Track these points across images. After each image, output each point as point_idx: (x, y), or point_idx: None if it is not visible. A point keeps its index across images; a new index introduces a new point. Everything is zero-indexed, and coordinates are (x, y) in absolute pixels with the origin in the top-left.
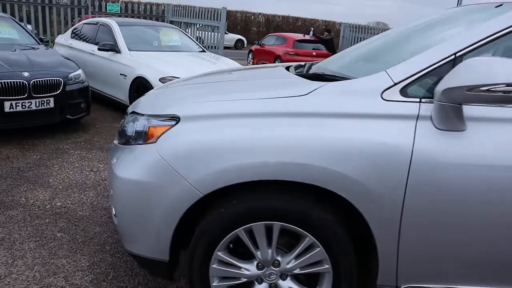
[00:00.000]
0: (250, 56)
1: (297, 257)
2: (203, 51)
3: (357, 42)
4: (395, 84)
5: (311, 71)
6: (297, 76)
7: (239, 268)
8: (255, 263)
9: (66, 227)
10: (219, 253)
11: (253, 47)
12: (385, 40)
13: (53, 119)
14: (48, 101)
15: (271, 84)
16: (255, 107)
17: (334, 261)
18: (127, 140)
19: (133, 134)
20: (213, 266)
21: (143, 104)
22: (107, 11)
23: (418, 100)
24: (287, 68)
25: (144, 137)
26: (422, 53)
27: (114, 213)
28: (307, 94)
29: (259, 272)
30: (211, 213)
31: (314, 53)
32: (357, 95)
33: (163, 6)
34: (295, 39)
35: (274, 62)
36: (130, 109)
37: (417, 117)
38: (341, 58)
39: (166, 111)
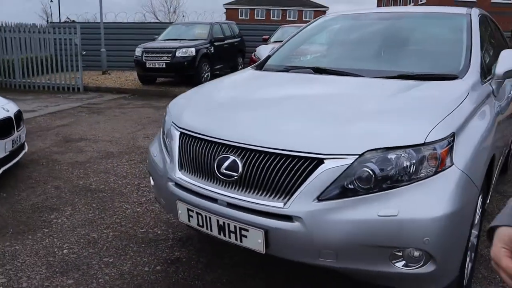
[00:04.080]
0: None
1: None
2: None
3: None
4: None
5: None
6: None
7: None
8: None
9: None
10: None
11: None
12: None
13: None
14: None
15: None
16: (470, 106)
17: None
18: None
19: (419, 169)
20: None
21: (378, 136)
22: None
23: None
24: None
25: (436, 166)
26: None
27: (420, 262)
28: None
29: None
30: None
31: None
32: (483, 85)
33: None
34: None
35: None
36: (342, 150)
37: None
38: (341, 56)
39: (446, 132)
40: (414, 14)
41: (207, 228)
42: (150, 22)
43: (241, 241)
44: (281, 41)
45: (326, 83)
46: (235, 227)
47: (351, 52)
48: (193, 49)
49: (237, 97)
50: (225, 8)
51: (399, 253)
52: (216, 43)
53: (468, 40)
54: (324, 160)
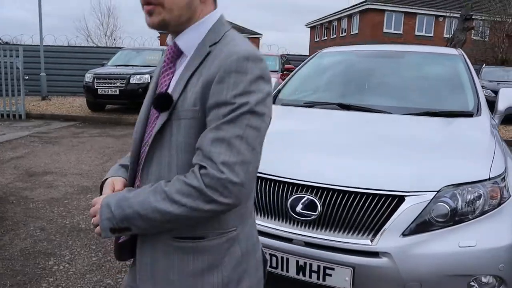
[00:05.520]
0: None
1: None
2: None
3: None
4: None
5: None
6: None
7: None
8: None
9: None
10: None
11: None
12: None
13: None
14: None
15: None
16: (497, 141)
17: None
18: (459, 218)
19: (486, 202)
20: None
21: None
22: None
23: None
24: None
25: (499, 198)
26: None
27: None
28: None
29: None
30: None
31: None
32: (491, 121)
33: None
34: None
35: None
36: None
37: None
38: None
39: (502, 167)
40: (413, 53)
41: (282, 269)
42: (92, 47)
43: (324, 279)
44: None
45: (368, 121)
46: (318, 266)
47: (365, 88)
48: (147, 76)
49: (289, 135)
50: (159, 33)
51: (475, 281)
52: None
53: (470, 79)
54: (405, 198)
